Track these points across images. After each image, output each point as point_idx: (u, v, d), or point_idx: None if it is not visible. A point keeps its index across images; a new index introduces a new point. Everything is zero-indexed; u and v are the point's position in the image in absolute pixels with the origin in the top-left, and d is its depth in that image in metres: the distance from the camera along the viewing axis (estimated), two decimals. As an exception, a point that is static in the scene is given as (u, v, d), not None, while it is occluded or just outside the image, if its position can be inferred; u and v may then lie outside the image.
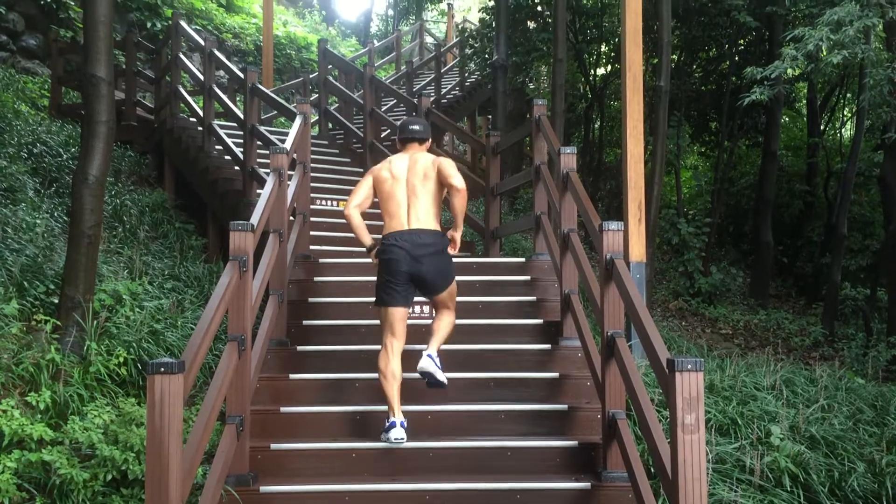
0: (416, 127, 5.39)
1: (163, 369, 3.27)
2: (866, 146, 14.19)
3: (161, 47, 11.80)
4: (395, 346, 5.03)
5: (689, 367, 3.40)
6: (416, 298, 5.29)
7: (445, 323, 5.26)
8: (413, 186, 5.17)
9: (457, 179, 5.10)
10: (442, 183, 5.17)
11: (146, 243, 8.65)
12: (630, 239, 7.50)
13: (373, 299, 5.26)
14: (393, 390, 4.91)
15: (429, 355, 5.06)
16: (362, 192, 5.34)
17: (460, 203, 5.16)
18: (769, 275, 14.03)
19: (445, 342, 5.29)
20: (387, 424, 4.92)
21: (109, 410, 5.13)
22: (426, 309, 6.17)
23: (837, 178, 14.48)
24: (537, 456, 4.92)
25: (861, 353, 10.50)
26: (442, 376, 5.05)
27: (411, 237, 5.07)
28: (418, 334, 5.60)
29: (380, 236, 5.27)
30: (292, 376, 5.54)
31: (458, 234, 5.35)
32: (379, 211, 5.37)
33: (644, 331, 3.98)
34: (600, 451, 4.79)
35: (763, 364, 7.36)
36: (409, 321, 5.23)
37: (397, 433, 4.84)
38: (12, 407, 4.86)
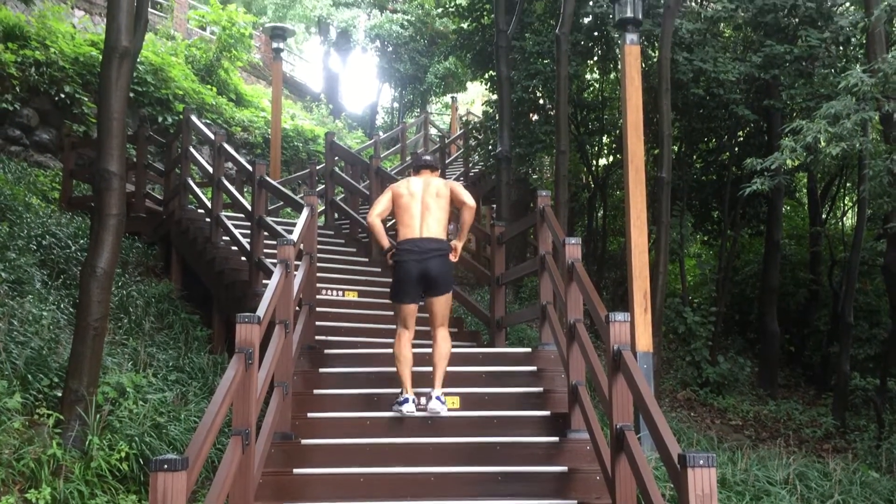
0: (429, 158, 6.61)
1: (166, 466, 3.23)
2: (869, 235, 14.25)
3: (172, 141, 12.05)
4: (406, 335, 6.11)
5: (702, 462, 3.35)
6: (417, 390, 6.05)
7: (444, 350, 6.14)
8: (426, 203, 6.19)
9: (467, 197, 6.24)
10: (453, 201, 6.25)
11: (151, 334, 8.63)
12: (636, 328, 7.48)
13: (379, 391, 5.95)
14: (406, 371, 6.01)
15: (437, 397, 6.01)
16: (383, 203, 6.35)
17: (469, 217, 6.27)
18: (777, 364, 13.90)
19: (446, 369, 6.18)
20: (400, 399, 5.95)
21: (110, 508, 5.03)
22: (422, 401, 6.14)
23: (841, 267, 14.49)
24: (547, 554, 4.79)
25: (874, 444, 10.29)
26: (445, 412, 6.02)
27: (421, 243, 6.09)
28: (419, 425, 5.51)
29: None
30: (297, 471, 5.44)
31: (460, 244, 6.36)
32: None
33: (654, 424, 3.93)
34: (612, 550, 4.66)
35: (775, 457, 7.23)
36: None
37: (409, 407, 5.89)
38: (11, 504, 4.77)
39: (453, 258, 6.26)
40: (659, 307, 9.84)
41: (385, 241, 6.33)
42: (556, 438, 5.82)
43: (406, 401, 5.93)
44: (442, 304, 6.17)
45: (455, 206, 6.36)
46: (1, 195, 10.39)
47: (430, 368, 6.21)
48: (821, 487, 6.51)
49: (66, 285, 8.95)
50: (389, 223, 9.76)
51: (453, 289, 6.51)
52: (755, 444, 9.75)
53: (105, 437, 5.71)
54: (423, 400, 6.16)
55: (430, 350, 6.31)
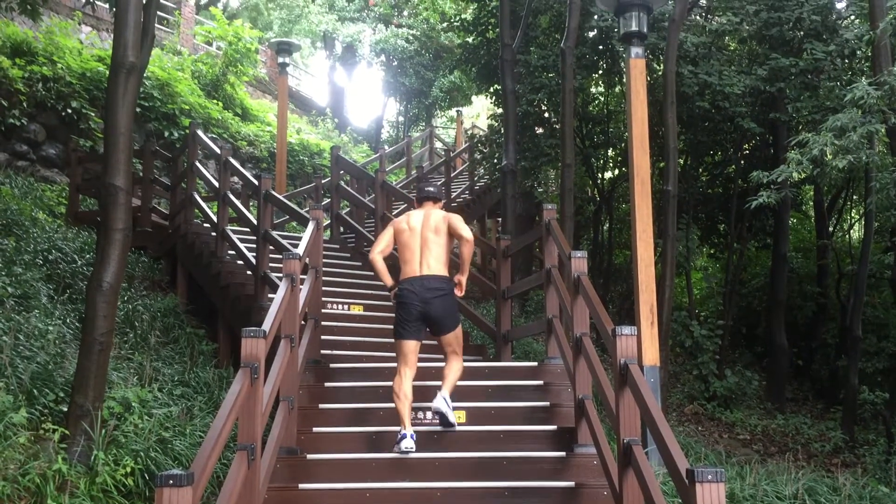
0: (431, 189, 6.46)
1: (171, 482, 3.21)
2: (876, 248, 14.21)
3: (178, 155, 12.08)
4: (407, 372, 5.93)
5: (710, 477, 3.31)
6: (416, 405, 6.00)
7: (455, 369, 6.10)
8: (426, 238, 6.10)
9: (465, 231, 6.11)
10: (452, 235, 6.12)
11: (157, 349, 8.62)
12: (643, 342, 7.45)
13: (384, 405, 5.95)
14: (405, 408, 5.79)
15: (444, 397, 5.94)
16: (384, 240, 6.31)
17: (468, 251, 6.15)
18: (785, 378, 13.83)
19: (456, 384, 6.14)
20: (398, 437, 5.69)
21: (114, 523, 5.01)
22: (428, 415, 6.14)
23: (849, 280, 14.44)
24: (554, 570, 4.74)
25: (883, 459, 10.22)
26: (452, 417, 5.97)
27: (422, 282, 6.00)
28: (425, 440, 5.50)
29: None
30: (302, 486, 5.41)
31: (463, 278, 6.28)
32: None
33: (661, 439, 3.90)
34: (619, 566, 4.62)
35: (784, 471, 7.17)
36: (416, 427, 5.91)
37: (407, 443, 5.64)
38: (16, 520, 4.75)
39: (459, 293, 6.22)
40: (665, 321, 9.81)
41: (388, 280, 6.28)
42: (562, 453, 5.78)
43: (404, 437, 5.69)
44: (451, 339, 6.11)
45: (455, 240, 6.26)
46: (7, 210, 10.42)
47: (437, 382, 6.20)
48: (830, 502, 6.45)
49: (73, 300, 8.96)
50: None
51: (460, 303, 6.52)
52: (763, 459, 9.69)
53: (110, 451, 5.69)
54: (428, 414, 6.16)
55: (436, 364, 6.37)
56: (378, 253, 6.24)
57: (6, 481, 5.12)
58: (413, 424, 5.96)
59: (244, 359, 4.49)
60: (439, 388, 6.03)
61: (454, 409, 6.16)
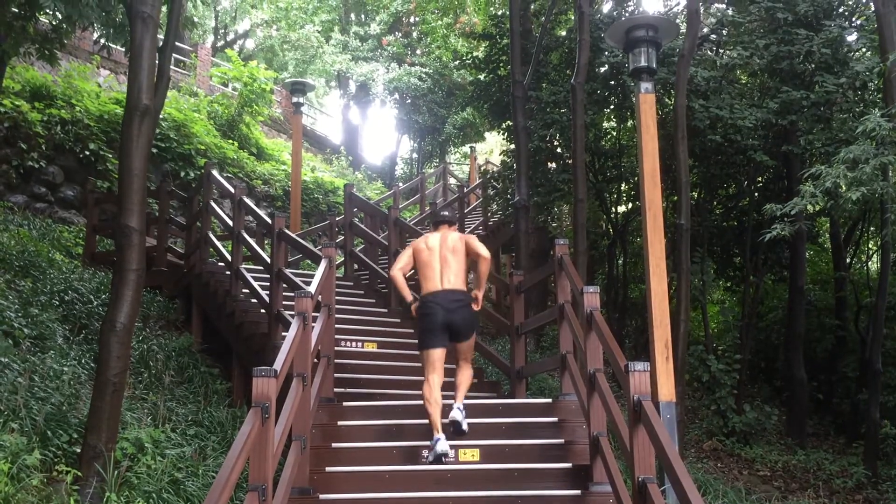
0: (446, 213, 7.04)
1: (180, 524, 3.19)
2: (894, 279, 14.06)
3: (193, 195, 12.19)
4: (435, 379, 6.29)
5: (725, 517, 3.26)
6: (438, 450, 6.08)
7: (466, 376, 6.58)
8: (444, 257, 6.57)
9: (483, 250, 6.60)
10: (469, 254, 6.60)
11: (171, 388, 8.63)
12: (658, 378, 7.36)
13: (398, 444, 6.08)
14: (436, 413, 6.13)
15: (458, 407, 6.40)
16: (404, 259, 6.76)
17: (485, 268, 6.64)
18: (805, 412, 13.63)
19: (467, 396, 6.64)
20: (432, 441, 6.05)
21: (126, 566, 4.98)
22: (451, 453, 6.10)
23: (868, 312, 14.28)
24: None
25: (907, 494, 10.03)
26: (465, 425, 6.41)
27: (445, 295, 6.44)
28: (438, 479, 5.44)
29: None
30: (314, 527, 5.37)
31: (480, 293, 6.72)
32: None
33: (676, 477, 3.85)
34: None
35: (805, 509, 7.04)
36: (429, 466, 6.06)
37: (442, 445, 6.01)
38: (27, 563, 4.73)
39: (476, 307, 6.65)
40: (681, 355, 9.72)
41: (408, 294, 6.70)
42: (578, 491, 5.71)
43: (438, 440, 6.07)
44: (465, 346, 6.61)
45: (472, 258, 6.67)
46: (25, 252, 10.54)
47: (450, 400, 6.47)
48: (853, 540, 6.33)
49: (88, 340, 9.00)
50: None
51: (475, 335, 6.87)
52: (784, 496, 9.53)
53: (123, 493, 5.68)
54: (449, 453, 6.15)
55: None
56: (398, 269, 6.71)
57: (19, 524, 5.12)
58: (425, 462, 6.01)
59: (255, 399, 4.48)
60: (453, 399, 6.45)
61: (468, 447, 6.12)
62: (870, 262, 17.14)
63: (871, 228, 15.88)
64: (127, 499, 5.65)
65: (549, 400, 7.18)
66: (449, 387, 6.61)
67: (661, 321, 7.57)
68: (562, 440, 6.42)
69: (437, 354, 6.39)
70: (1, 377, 6.87)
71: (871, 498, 10.25)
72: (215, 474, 6.33)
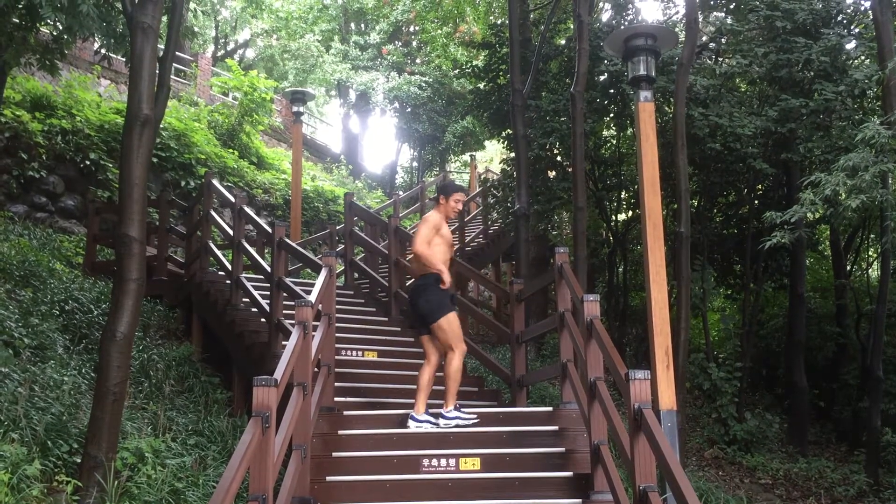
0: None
1: (181, 534, 3.19)
2: (895, 287, 14.06)
3: (193, 205, 12.20)
4: (427, 363, 6.89)
5: (726, 525, 3.25)
6: (430, 452, 6.24)
7: (450, 369, 6.75)
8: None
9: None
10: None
11: (171, 398, 8.62)
12: (659, 386, 7.36)
13: (399, 452, 6.21)
14: (419, 396, 6.70)
15: (438, 413, 6.72)
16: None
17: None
18: (807, 420, 13.61)
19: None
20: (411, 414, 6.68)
21: (126, 576, 4.96)
22: (442, 462, 6.11)
23: (869, 320, 14.27)
24: None
25: (910, 502, 10.01)
26: (441, 424, 6.60)
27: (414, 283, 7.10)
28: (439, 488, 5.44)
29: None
30: (315, 537, 5.36)
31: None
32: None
33: (677, 486, 3.85)
34: None
35: (807, 517, 7.02)
36: (428, 475, 6.11)
37: (411, 421, 6.64)
38: (27, 574, 4.72)
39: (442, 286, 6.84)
40: (682, 364, 9.71)
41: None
42: (579, 500, 5.71)
43: (410, 415, 6.63)
44: (437, 333, 6.84)
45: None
46: (26, 262, 10.54)
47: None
48: (855, 549, 6.31)
49: (88, 350, 9.00)
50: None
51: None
52: (786, 504, 9.51)
53: (123, 503, 5.66)
54: (442, 461, 6.14)
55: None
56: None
57: (18, 534, 5.10)
58: (425, 472, 6.03)
59: (255, 408, 4.48)
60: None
61: (469, 456, 6.11)
62: (870, 270, 17.13)
63: (871, 236, 15.89)
64: (127, 509, 5.64)
65: (550, 408, 7.18)
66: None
67: (661, 329, 7.56)
68: (563, 449, 6.41)
69: (424, 339, 6.90)
70: (1, 387, 6.86)
71: (872, 506, 10.23)
72: (216, 484, 6.32)
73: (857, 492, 10.85)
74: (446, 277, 6.80)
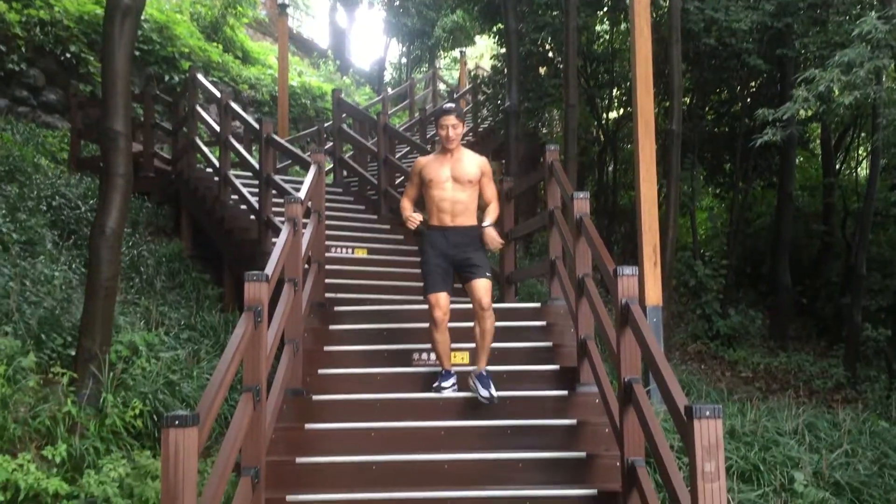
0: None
1: (177, 422, 3.26)
2: (883, 185, 14.10)
3: (178, 100, 11.99)
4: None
5: (708, 414, 3.35)
6: (419, 346, 6.25)
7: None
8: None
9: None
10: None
11: (163, 294, 8.69)
12: (646, 282, 7.46)
13: (389, 346, 6.27)
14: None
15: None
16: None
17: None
18: (789, 316, 13.88)
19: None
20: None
21: (125, 463, 5.11)
22: (433, 356, 6.16)
23: (855, 218, 14.38)
24: (556, 505, 4.84)
25: (884, 395, 10.32)
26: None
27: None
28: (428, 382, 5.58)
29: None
30: (308, 426, 5.50)
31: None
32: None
33: (661, 377, 3.94)
34: (620, 500, 4.71)
35: (785, 408, 7.26)
36: (418, 368, 6.06)
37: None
38: (28, 461, 4.85)
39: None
40: (669, 261, 9.82)
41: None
42: (565, 392, 5.85)
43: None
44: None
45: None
46: (10, 156, 10.40)
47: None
48: (830, 437, 6.54)
49: (77, 245, 8.99)
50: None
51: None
52: (765, 396, 9.80)
53: (119, 394, 5.77)
54: (433, 356, 6.23)
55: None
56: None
57: (17, 424, 5.22)
58: (416, 365, 6.18)
59: (247, 302, 4.52)
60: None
61: (458, 350, 6.19)
62: (859, 169, 17.15)
63: (863, 134, 15.83)
64: (123, 399, 5.75)
65: (538, 304, 7.28)
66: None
67: (650, 226, 7.62)
68: (550, 343, 6.53)
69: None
70: (-8, 282, 6.89)
71: (849, 397, 10.56)
72: (209, 376, 6.42)
73: (835, 384, 11.18)
74: (409, 224, 5.87)
